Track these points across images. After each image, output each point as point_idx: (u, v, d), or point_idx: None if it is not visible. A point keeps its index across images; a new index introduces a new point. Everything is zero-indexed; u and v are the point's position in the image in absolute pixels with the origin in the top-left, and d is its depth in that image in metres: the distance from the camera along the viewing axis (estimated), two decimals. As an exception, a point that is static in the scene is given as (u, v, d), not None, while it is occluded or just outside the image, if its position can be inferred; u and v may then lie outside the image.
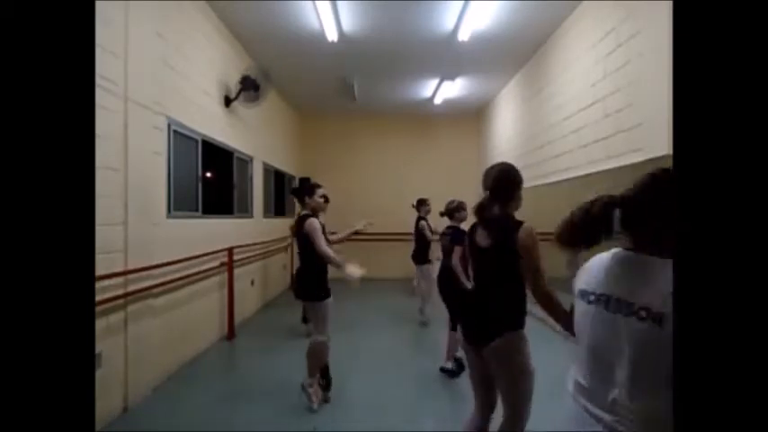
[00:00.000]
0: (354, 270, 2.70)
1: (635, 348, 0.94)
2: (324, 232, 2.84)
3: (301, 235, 2.81)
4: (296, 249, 3.11)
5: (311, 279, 2.84)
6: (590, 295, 1.06)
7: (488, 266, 1.81)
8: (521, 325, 1.72)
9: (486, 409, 1.86)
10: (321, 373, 2.97)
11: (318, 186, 2.93)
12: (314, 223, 2.76)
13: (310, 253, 2.80)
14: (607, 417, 0.97)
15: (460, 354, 3.50)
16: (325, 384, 3.00)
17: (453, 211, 3.64)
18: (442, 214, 3.94)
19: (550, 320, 1.61)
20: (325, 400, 2.94)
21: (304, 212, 2.88)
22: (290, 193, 3.23)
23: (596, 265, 1.10)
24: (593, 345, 1.05)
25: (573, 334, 1.34)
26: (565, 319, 1.55)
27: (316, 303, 2.83)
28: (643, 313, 0.94)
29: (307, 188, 2.92)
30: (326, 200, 4.36)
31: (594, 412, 1.00)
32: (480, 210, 1.84)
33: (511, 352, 1.69)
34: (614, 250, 1.08)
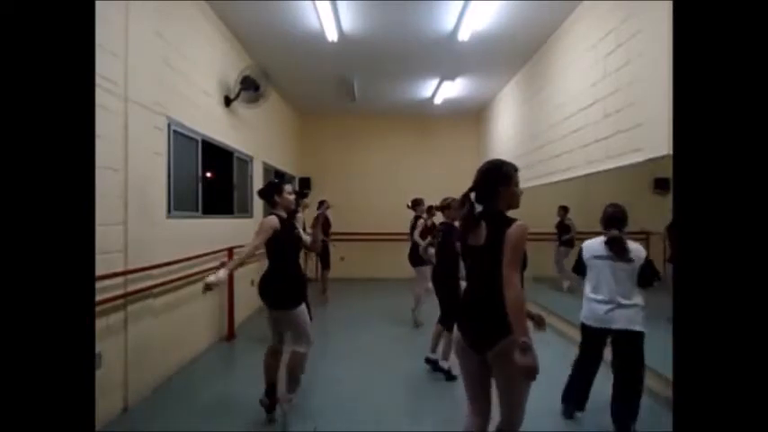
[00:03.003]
0: (216, 277, 2.31)
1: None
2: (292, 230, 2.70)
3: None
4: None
5: (282, 285, 2.60)
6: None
7: (481, 266, 1.74)
8: None
9: (486, 413, 1.82)
10: (267, 387, 2.74)
11: (285, 183, 2.81)
12: (263, 220, 2.57)
13: (273, 257, 2.64)
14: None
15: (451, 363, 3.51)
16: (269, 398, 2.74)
17: (445, 208, 3.66)
18: (436, 209, 4.05)
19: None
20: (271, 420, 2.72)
21: (273, 212, 2.68)
22: (257, 194, 2.97)
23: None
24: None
25: (528, 366, 1.51)
26: (522, 326, 1.55)
27: (288, 312, 2.60)
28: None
29: (274, 187, 2.74)
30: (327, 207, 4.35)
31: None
32: (458, 207, 1.81)
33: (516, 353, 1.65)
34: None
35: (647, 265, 2.44)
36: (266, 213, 2.67)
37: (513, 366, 1.62)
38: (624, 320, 2.43)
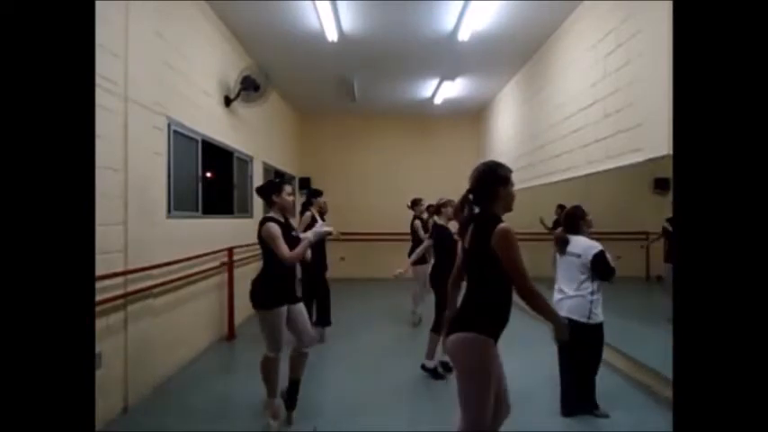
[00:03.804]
0: (323, 229, 2.61)
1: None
2: (290, 232, 2.63)
3: (261, 240, 2.54)
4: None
5: (263, 284, 2.57)
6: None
7: (469, 267, 1.77)
8: (482, 329, 1.64)
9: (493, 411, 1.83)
10: (289, 389, 2.70)
11: (286, 183, 2.71)
12: (270, 229, 2.48)
13: (268, 259, 2.56)
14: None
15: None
16: (289, 403, 2.70)
17: (440, 208, 3.65)
18: (431, 213, 4.01)
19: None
20: (289, 421, 2.66)
21: (268, 215, 2.61)
22: (255, 191, 2.93)
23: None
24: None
25: (562, 337, 1.69)
26: (554, 318, 1.69)
27: (263, 312, 2.53)
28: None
29: (274, 186, 2.67)
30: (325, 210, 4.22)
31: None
32: (456, 210, 1.82)
33: (459, 352, 1.66)
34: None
35: (596, 259, 2.62)
36: (266, 213, 2.64)
37: (462, 363, 1.67)
38: (566, 310, 2.68)
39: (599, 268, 2.61)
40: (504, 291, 1.67)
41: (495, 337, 1.68)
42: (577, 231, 2.77)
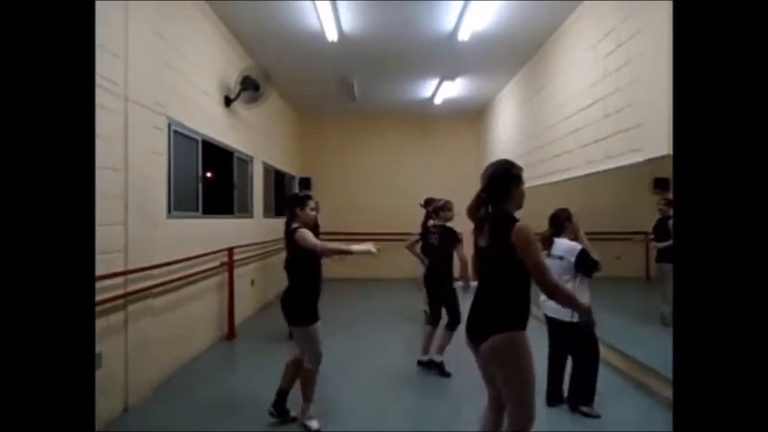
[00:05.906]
0: (364, 247, 2.63)
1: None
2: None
3: (291, 250, 2.60)
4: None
5: (297, 301, 2.60)
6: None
7: (485, 266, 1.81)
8: (515, 326, 1.69)
9: (495, 403, 1.86)
10: (278, 395, 2.72)
11: (309, 198, 2.74)
12: (304, 232, 2.55)
13: (297, 273, 2.61)
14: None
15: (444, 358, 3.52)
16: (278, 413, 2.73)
17: (438, 210, 3.65)
18: (431, 212, 4.02)
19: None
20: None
21: (294, 225, 2.62)
22: (285, 204, 2.95)
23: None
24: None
25: (587, 315, 1.85)
26: (575, 304, 1.77)
27: (300, 328, 2.60)
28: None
29: (298, 200, 2.70)
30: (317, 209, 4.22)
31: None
32: (472, 209, 1.83)
33: (503, 352, 1.69)
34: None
35: (580, 256, 2.68)
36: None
37: (507, 362, 1.68)
38: (552, 309, 2.75)
39: (583, 266, 2.68)
40: (525, 285, 1.71)
41: (525, 329, 1.73)
42: (560, 233, 2.83)
